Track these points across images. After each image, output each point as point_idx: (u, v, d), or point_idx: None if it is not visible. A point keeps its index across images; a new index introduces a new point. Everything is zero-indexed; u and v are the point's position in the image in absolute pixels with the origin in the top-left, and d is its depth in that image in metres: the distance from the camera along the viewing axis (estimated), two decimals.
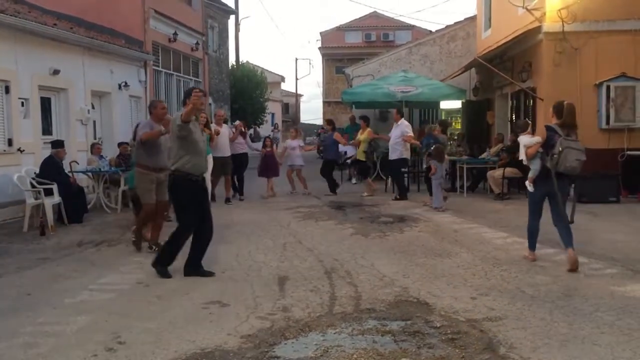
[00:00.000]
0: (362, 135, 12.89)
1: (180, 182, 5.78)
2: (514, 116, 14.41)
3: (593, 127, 11.65)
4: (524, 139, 6.60)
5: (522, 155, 6.53)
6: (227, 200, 11.66)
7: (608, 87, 11.50)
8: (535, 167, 6.31)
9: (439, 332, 4.22)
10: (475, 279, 5.68)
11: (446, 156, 11.29)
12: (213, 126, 10.84)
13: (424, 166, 11.78)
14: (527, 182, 6.53)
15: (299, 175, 13.15)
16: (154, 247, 6.98)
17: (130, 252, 7.16)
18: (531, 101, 12.74)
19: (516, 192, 12.16)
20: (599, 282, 5.50)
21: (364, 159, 13.03)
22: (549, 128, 6.23)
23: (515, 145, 11.36)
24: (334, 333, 4.21)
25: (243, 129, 13.04)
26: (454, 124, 18.23)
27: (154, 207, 6.96)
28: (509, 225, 8.69)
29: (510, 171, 11.51)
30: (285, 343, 4.05)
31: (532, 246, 6.59)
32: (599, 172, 11.06)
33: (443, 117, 18.10)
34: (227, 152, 11.51)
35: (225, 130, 11.65)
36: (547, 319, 4.43)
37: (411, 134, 11.97)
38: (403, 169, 12.43)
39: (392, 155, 11.97)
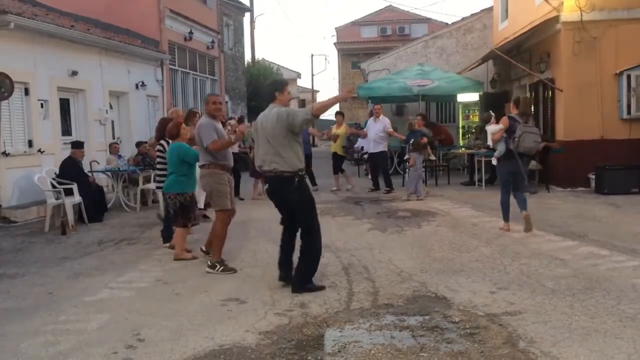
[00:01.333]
0: (339, 130, 12.93)
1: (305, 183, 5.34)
2: (532, 108, 14.23)
3: (614, 118, 11.48)
4: (491, 128, 8.33)
5: (488, 141, 8.41)
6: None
7: (629, 77, 11.30)
8: (500, 149, 7.74)
9: (457, 327, 4.19)
10: (494, 273, 5.62)
11: (429, 148, 11.75)
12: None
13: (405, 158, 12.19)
14: (493, 159, 8.17)
15: None
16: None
17: (148, 249, 7.22)
18: (550, 92, 12.57)
19: (535, 185, 12.02)
20: (621, 275, 5.41)
21: (342, 154, 13.15)
22: (510, 117, 7.69)
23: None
24: (352, 329, 4.20)
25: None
26: (471, 116, 18.06)
27: (232, 213, 6.28)
28: None
29: (529, 164, 11.36)
30: (303, 339, 4.05)
31: (506, 218, 7.81)
32: (621, 163, 10.90)
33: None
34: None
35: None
36: (567, 313, 4.37)
37: (391, 129, 12.43)
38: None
39: (377, 149, 12.32)
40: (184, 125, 6.85)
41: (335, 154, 13.02)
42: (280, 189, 5.25)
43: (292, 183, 5.15)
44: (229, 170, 6.21)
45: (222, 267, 5.90)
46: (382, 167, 12.56)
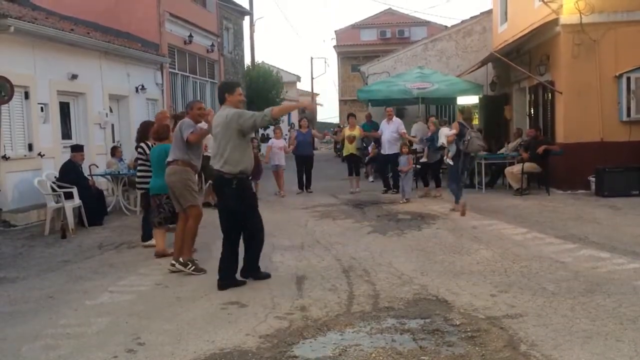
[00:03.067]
0: (354, 132, 12.90)
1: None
2: (532, 110, 14.26)
3: (613, 120, 11.49)
4: (445, 130, 10.05)
5: (443, 140, 10.10)
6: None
7: (628, 79, 11.32)
8: (452, 150, 9.58)
9: (458, 330, 4.18)
10: (494, 275, 5.62)
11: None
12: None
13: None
14: (446, 159, 9.93)
15: (281, 175, 12.80)
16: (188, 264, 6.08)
17: (149, 253, 7.21)
18: (550, 94, 12.58)
19: (536, 188, 12.02)
20: (622, 277, 5.41)
21: (358, 154, 13.16)
22: (460, 124, 9.49)
23: (537, 142, 11.32)
24: (353, 332, 4.19)
25: None
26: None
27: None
28: (528, 220, 8.59)
29: (529, 166, 11.38)
30: (303, 343, 4.05)
31: (457, 200, 9.51)
32: (621, 165, 10.90)
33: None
34: None
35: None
36: (568, 316, 4.37)
37: (404, 130, 12.53)
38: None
39: (391, 150, 12.29)
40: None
41: (351, 156, 12.96)
42: (219, 190, 5.52)
43: (231, 185, 5.34)
44: (196, 172, 6.40)
45: (193, 267, 5.99)
46: (393, 169, 12.49)
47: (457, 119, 9.78)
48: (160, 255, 6.75)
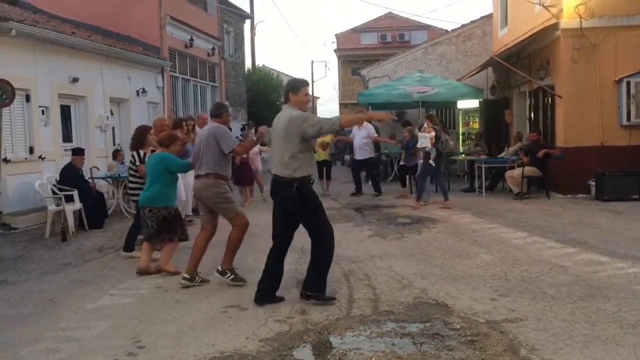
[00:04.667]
0: (326, 138, 12.56)
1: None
2: (532, 114, 14.27)
3: (613, 124, 11.50)
4: (425, 134, 10.50)
5: (424, 144, 10.47)
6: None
7: (628, 83, 11.33)
8: (433, 152, 10.35)
9: (458, 334, 4.18)
10: (494, 279, 5.62)
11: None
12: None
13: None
14: (430, 161, 10.43)
15: (259, 180, 12.54)
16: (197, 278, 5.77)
17: None
18: (550, 99, 12.59)
19: (536, 191, 12.03)
20: (622, 282, 5.41)
21: (329, 159, 13.22)
22: (434, 128, 10.52)
23: (538, 145, 11.33)
24: (353, 336, 4.20)
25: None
26: (471, 123, 18.10)
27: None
28: (528, 224, 8.59)
29: (529, 170, 11.39)
30: (303, 346, 4.05)
31: (418, 198, 10.71)
32: (621, 169, 10.91)
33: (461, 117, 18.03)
34: None
35: None
36: (568, 320, 4.37)
37: (375, 134, 13.03)
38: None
39: (362, 155, 12.73)
40: (180, 142, 6.54)
41: (324, 162, 12.93)
42: (279, 193, 5.11)
43: (290, 188, 4.96)
44: (227, 181, 5.95)
45: (232, 276, 5.64)
46: (369, 173, 13.09)
47: (429, 126, 10.53)
48: (142, 272, 6.17)
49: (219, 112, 6.00)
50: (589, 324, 4.28)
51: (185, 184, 8.44)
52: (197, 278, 5.73)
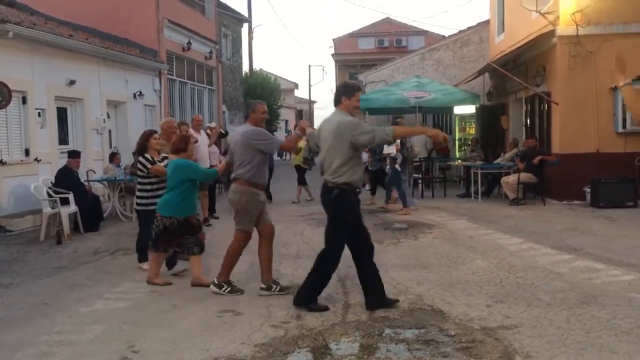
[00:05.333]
0: (300, 143, 12.59)
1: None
2: (528, 121, 14.31)
3: (609, 131, 11.54)
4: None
5: (390, 150, 10.83)
6: (205, 221, 9.38)
7: None
8: (399, 158, 10.85)
9: (453, 340, 4.18)
10: (490, 286, 5.63)
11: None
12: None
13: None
14: (396, 166, 10.89)
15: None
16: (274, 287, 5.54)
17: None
18: (546, 105, 12.64)
19: (531, 198, 12.05)
20: (617, 289, 5.42)
21: (305, 166, 12.98)
22: None
23: (534, 152, 11.37)
24: (348, 342, 4.20)
25: (223, 131, 11.37)
26: (467, 129, 18.14)
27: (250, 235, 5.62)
28: (524, 231, 8.61)
29: (525, 176, 11.42)
30: (298, 352, 4.05)
31: (406, 204, 10.82)
32: (616, 176, 10.95)
33: (457, 122, 18.06)
34: (206, 164, 9.21)
35: (204, 138, 9.73)
36: (563, 327, 4.38)
37: None
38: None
39: (376, 166, 12.49)
40: (192, 140, 6.14)
41: (298, 167, 13.03)
42: (322, 197, 5.02)
43: (330, 195, 4.86)
44: (262, 189, 5.59)
45: (229, 288, 5.49)
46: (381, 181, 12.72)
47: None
48: (151, 282, 5.95)
49: (247, 113, 5.78)
50: (583, 331, 4.29)
51: None
52: (275, 287, 5.47)
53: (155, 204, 6.21)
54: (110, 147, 13.38)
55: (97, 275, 6.51)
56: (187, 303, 5.27)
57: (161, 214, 5.82)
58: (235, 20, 25.46)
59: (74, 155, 9.85)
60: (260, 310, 4.96)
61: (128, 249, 7.89)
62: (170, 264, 6.41)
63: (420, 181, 13.83)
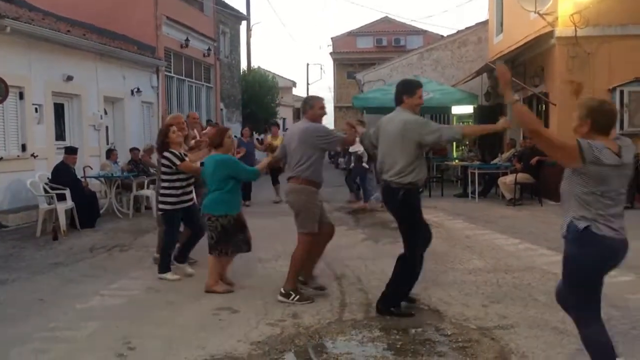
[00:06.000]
0: (277, 141, 12.29)
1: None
2: None
3: None
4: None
5: (355, 148, 10.42)
6: None
7: (622, 92, 11.41)
8: (365, 156, 11.10)
9: (449, 340, 4.18)
10: (487, 286, 5.63)
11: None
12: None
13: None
14: (363, 164, 11.29)
15: None
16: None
17: (141, 256, 7.18)
18: (544, 106, 12.66)
19: (529, 198, 12.07)
20: (613, 290, 5.39)
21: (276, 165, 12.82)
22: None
23: (531, 152, 11.37)
24: (344, 340, 4.19)
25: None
26: None
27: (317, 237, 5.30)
28: (521, 231, 8.62)
29: (522, 177, 11.43)
30: (295, 350, 4.04)
31: (367, 198, 11.40)
32: None
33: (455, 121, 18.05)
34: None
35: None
36: (559, 328, 4.38)
37: None
38: None
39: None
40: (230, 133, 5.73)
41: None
42: (387, 198, 4.91)
43: (397, 195, 4.70)
44: (319, 188, 5.29)
45: (297, 296, 5.10)
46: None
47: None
48: (209, 290, 5.45)
49: (304, 108, 5.37)
50: None
51: None
52: (293, 295, 5.16)
53: (185, 201, 6.01)
54: (107, 144, 13.35)
55: (93, 271, 6.49)
56: (184, 300, 5.26)
57: (214, 214, 5.36)
58: (233, 17, 25.41)
59: (71, 151, 9.83)
60: (257, 308, 4.95)
61: (124, 246, 7.90)
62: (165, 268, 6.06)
63: None
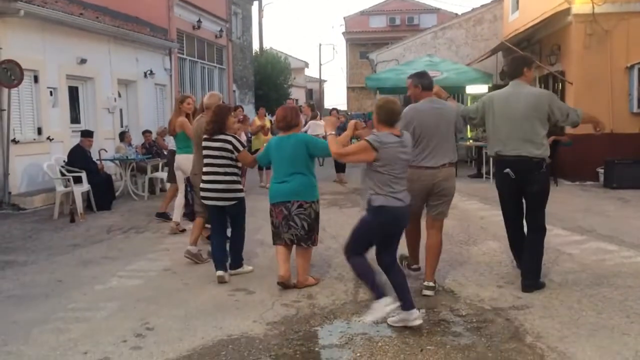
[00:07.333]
0: (264, 123, 12.10)
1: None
2: None
3: (624, 111, 11.41)
4: (318, 122, 12.03)
5: (317, 131, 10.89)
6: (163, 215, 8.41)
7: (639, 70, 11.20)
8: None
9: (464, 320, 4.20)
10: (501, 266, 5.63)
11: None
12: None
13: None
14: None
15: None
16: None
17: (157, 238, 7.26)
18: (560, 85, 12.49)
19: None
20: (629, 270, 5.40)
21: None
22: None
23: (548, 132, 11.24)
24: (359, 321, 4.22)
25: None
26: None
27: None
28: None
29: None
30: (310, 330, 4.08)
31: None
32: (630, 157, 10.84)
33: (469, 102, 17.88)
34: None
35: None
36: (575, 308, 4.38)
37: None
38: None
39: None
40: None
41: (257, 151, 12.49)
42: (524, 174, 4.75)
43: (540, 169, 4.72)
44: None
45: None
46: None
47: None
48: (284, 285, 4.97)
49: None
50: (595, 312, 4.28)
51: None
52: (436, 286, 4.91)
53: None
54: (121, 126, 13.41)
55: (110, 253, 6.58)
56: (200, 281, 5.32)
57: (309, 200, 4.93)
58: None
59: (87, 134, 9.91)
60: (272, 289, 5.00)
61: (140, 228, 7.99)
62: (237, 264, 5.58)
63: None
